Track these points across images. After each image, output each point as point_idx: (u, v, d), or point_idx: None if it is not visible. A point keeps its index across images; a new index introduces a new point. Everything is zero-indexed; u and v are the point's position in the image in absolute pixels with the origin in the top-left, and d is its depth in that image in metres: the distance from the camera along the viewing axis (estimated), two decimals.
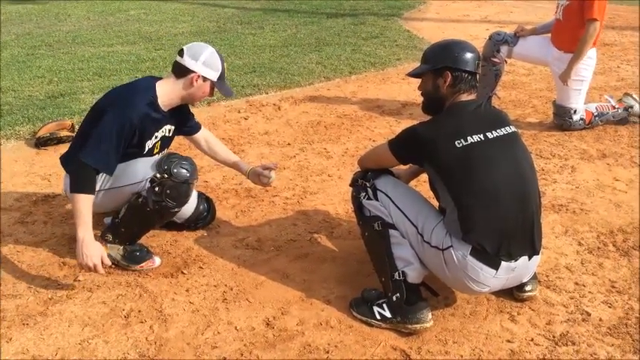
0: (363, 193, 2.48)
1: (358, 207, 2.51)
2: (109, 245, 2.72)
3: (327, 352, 2.24)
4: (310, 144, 4.32)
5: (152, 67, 6.08)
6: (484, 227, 2.22)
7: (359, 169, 2.68)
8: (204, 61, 2.69)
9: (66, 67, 6.12)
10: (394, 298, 2.36)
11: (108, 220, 2.87)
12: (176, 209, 2.73)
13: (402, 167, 2.71)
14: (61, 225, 3.11)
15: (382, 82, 5.96)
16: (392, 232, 2.38)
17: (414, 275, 2.36)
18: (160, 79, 2.77)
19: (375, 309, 2.41)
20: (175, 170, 2.62)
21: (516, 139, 2.38)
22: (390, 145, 2.43)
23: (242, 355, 2.23)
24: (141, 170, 2.66)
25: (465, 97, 2.40)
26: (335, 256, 2.89)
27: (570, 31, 4.29)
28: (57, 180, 3.63)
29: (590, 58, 4.38)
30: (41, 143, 4.10)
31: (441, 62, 2.40)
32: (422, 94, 2.52)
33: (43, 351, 2.23)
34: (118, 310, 2.46)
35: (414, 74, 2.54)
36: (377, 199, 2.44)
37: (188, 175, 2.65)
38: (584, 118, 4.45)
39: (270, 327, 2.38)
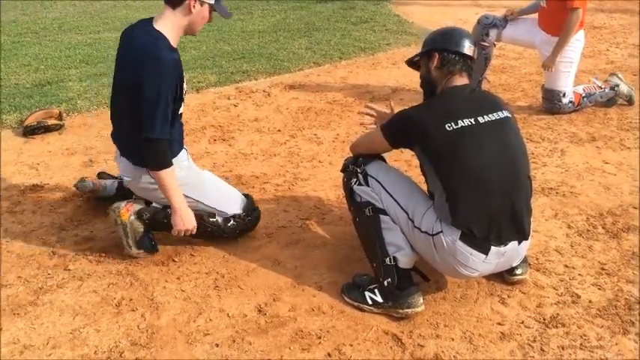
0: (354, 179, 2.48)
1: (349, 193, 2.51)
2: (131, 218, 2.67)
3: (320, 338, 2.25)
4: (300, 130, 4.30)
5: None
6: (473, 212, 2.23)
7: (350, 155, 2.68)
8: None
9: (52, 55, 6.05)
10: (385, 283, 2.37)
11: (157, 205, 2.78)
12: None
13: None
14: (50, 214, 3.09)
15: (372, 68, 5.93)
16: (383, 217, 2.39)
17: (405, 260, 2.37)
18: (150, 19, 2.59)
19: (367, 294, 2.42)
20: (255, 215, 2.87)
21: (509, 123, 2.37)
22: (382, 129, 2.44)
23: (234, 341, 2.23)
24: (233, 205, 2.81)
25: (459, 81, 2.39)
26: (326, 242, 2.89)
27: (555, 17, 4.32)
28: (45, 169, 3.61)
29: (578, 40, 4.40)
30: (29, 132, 4.06)
31: (430, 45, 2.45)
32: (420, 81, 2.55)
33: (34, 340, 2.23)
34: (109, 298, 2.46)
35: (410, 62, 2.62)
36: (368, 185, 2.44)
37: (258, 217, 2.90)
38: (573, 100, 4.46)
39: (262, 313, 2.38)
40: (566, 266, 2.70)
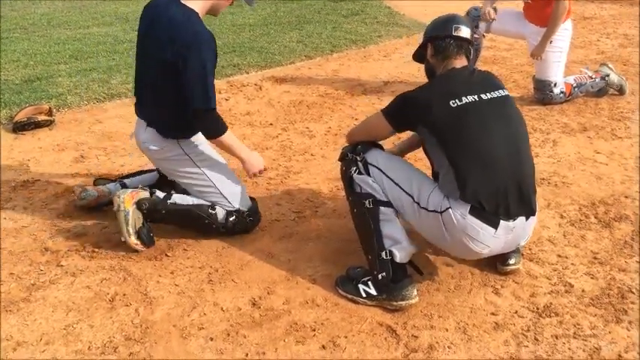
0: (354, 168, 2.44)
1: (348, 182, 2.47)
2: (134, 207, 2.65)
3: (314, 330, 2.25)
4: (292, 123, 4.29)
5: (129, 49, 5.98)
6: (481, 185, 2.24)
7: (346, 145, 2.65)
8: None
9: (42, 50, 6.00)
10: (380, 276, 2.37)
11: (160, 194, 2.77)
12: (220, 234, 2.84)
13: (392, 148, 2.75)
14: (41, 210, 3.07)
15: (364, 60, 5.93)
16: (383, 209, 2.38)
17: (401, 255, 2.37)
18: (177, 1, 2.58)
19: (361, 287, 2.41)
20: (257, 218, 2.89)
21: (510, 101, 2.42)
22: (383, 112, 2.44)
23: (229, 335, 2.23)
24: (240, 200, 2.82)
25: (457, 63, 2.44)
26: (319, 235, 2.89)
27: (540, 9, 4.35)
28: (36, 165, 3.58)
29: (566, 30, 4.43)
30: (19, 128, 4.02)
31: (424, 37, 2.52)
32: (425, 72, 2.61)
33: (27, 337, 2.21)
34: (102, 294, 2.44)
35: (415, 57, 2.68)
36: (368, 174, 2.42)
37: (259, 220, 2.92)
38: (564, 90, 4.48)
39: (257, 307, 2.38)
40: (559, 256, 2.71)
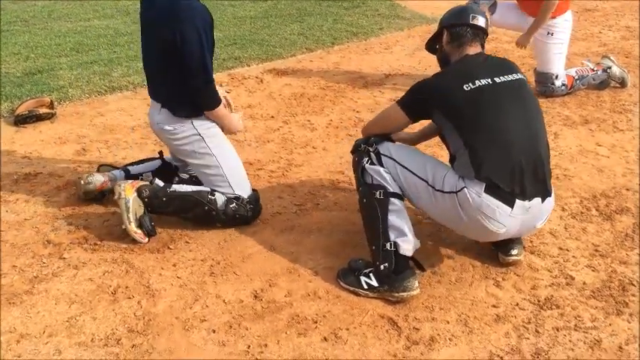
0: (366, 158, 2.48)
1: (360, 173, 2.50)
2: (134, 195, 2.67)
3: (316, 322, 2.26)
4: (294, 116, 4.29)
5: (130, 41, 5.97)
6: (496, 164, 2.26)
7: (359, 137, 2.69)
8: None
9: (42, 43, 5.98)
10: (382, 267, 2.38)
11: (159, 182, 2.81)
12: (220, 224, 2.85)
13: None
14: (43, 203, 3.08)
15: (365, 53, 5.91)
16: (393, 200, 2.40)
17: (405, 247, 2.37)
18: None
19: (362, 279, 2.42)
20: (257, 208, 2.91)
21: (524, 84, 2.46)
22: (398, 103, 2.48)
23: (231, 327, 2.24)
24: (242, 186, 2.87)
25: (471, 50, 2.49)
26: (321, 228, 2.90)
27: (536, 2, 4.32)
28: (38, 158, 3.58)
29: (566, 21, 4.43)
30: (20, 121, 4.02)
31: (439, 27, 2.60)
32: (437, 60, 2.66)
33: (30, 329, 2.22)
34: (104, 286, 2.45)
35: (428, 46, 2.73)
36: (381, 164, 2.44)
37: (259, 212, 2.94)
38: (566, 83, 4.47)
39: (259, 299, 2.39)
40: (560, 248, 2.71)
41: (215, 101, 2.77)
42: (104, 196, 3.04)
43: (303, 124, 4.14)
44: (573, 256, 2.66)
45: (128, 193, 2.67)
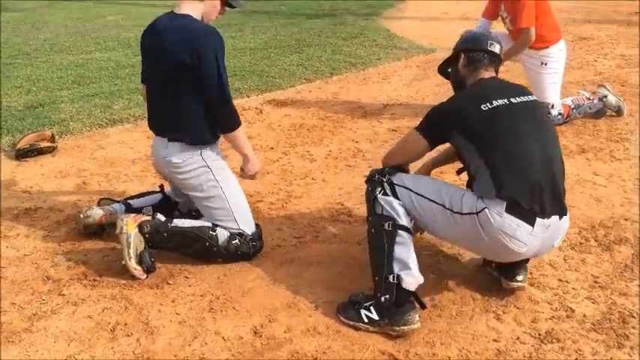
0: (379, 189, 2.49)
1: (372, 202, 2.49)
2: (136, 230, 2.67)
3: (316, 359, 2.25)
4: (293, 147, 4.32)
5: (132, 74, 6.04)
6: (517, 183, 2.29)
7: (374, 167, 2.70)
8: None
9: (44, 76, 6.06)
10: (383, 299, 2.37)
11: (161, 217, 2.80)
12: (221, 260, 2.85)
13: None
14: (43, 238, 3.08)
15: (363, 83, 5.97)
16: (401, 232, 2.41)
17: (408, 281, 2.37)
18: (171, 12, 2.78)
19: (363, 312, 2.41)
20: (259, 245, 2.91)
21: (538, 106, 2.55)
22: (417, 129, 2.53)
23: None
24: (246, 222, 2.87)
25: (486, 74, 2.59)
26: (321, 261, 2.90)
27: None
28: (38, 192, 3.60)
29: (560, 50, 4.50)
30: (21, 155, 4.05)
31: (456, 49, 2.69)
32: (451, 83, 2.75)
33: None
34: (103, 323, 2.45)
35: (440, 69, 2.82)
36: (395, 195, 2.45)
37: (261, 248, 2.93)
38: (562, 112, 4.51)
39: (258, 335, 2.38)
40: (560, 280, 2.71)
41: (235, 122, 2.78)
42: (104, 230, 3.05)
43: (302, 155, 4.17)
44: (573, 288, 2.65)
45: (130, 228, 2.67)
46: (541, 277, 2.73)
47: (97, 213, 3.03)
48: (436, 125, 2.49)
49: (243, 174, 2.96)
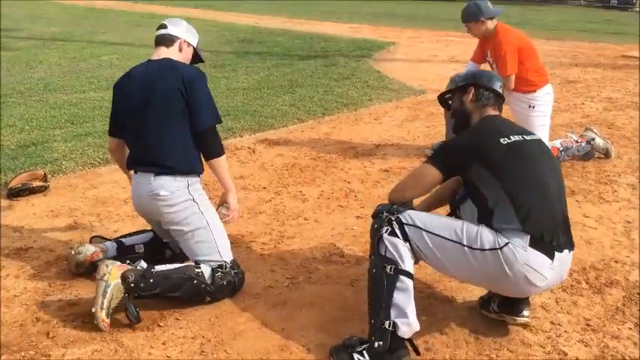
0: (386, 228, 2.41)
1: (377, 241, 2.43)
2: (118, 280, 2.60)
3: None
4: (285, 187, 4.34)
5: None
6: (540, 215, 2.32)
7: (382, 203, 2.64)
8: (186, 27, 3.02)
9: (38, 115, 6.09)
10: (377, 344, 2.35)
11: (143, 264, 2.74)
12: (210, 297, 2.84)
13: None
14: (33, 279, 3.06)
15: (355, 123, 6.05)
16: (402, 278, 2.36)
17: (404, 330, 2.34)
18: (147, 60, 2.93)
19: (356, 356, 2.39)
20: (241, 275, 2.93)
21: (544, 144, 2.61)
22: (431, 162, 2.52)
23: None
24: (226, 252, 2.91)
25: (492, 112, 2.66)
26: (313, 302, 2.88)
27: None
28: (29, 232, 3.58)
29: (547, 94, 4.61)
30: (13, 194, 4.05)
31: (465, 81, 2.76)
32: (452, 115, 2.79)
33: None
34: None
35: (442, 95, 2.91)
36: (404, 235, 2.39)
37: (244, 276, 2.97)
38: None
39: None
40: (552, 323, 2.71)
41: (220, 147, 2.86)
42: (95, 268, 3.02)
43: (294, 195, 4.19)
44: (565, 331, 2.65)
45: (112, 277, 2.60)
46: (533, 320, 2.72)
47: (88, 250, 3.02)
48: (455, 157, 2.49)
49: (227, 211, 2.96)
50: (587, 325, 2.70)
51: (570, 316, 2.77)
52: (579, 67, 8.76)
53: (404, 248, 2.39)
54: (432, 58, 9.75)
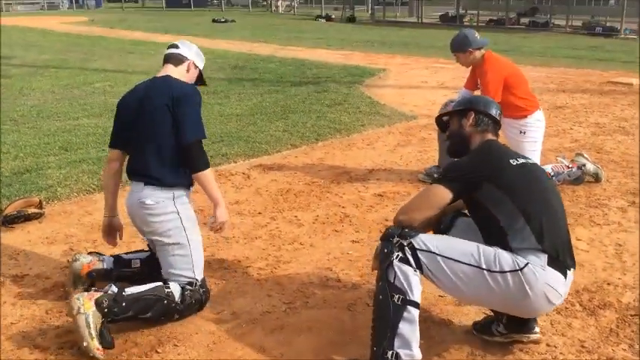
0: (397, 254, 2.34)
1: (386, 266, 2.35)
2: (93, 308, 2.58)
3: None
4: (281, 212, 4.37)
5: None
6: (553, 234, 2.38)
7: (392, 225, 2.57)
8: (196, 51, 3.18)
9: (31, 142, 6.10)
10: None
11: (114, 288, 2.74)
12: (178, 316, 2.90)
13: None
14: (30, 306, 3.05)
15: (348, 149, 6.10)
16: (409, 308, 2.32)
17: None
18: (153, 77, 3.06)
19: None
20: (207, 293, 3.00)
21: (542, 169, 2.74)
22: (441, 182, 2.51)
23: None
24: (200, 269, 3.00)
25: (492, 137, 2.73)
26: (311, 327, 2.90)
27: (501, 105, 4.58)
28: (25, 259, 3.58)
29: (538, 120, 4.69)
30: (8, 221, 4.04)
31: (464, 105, 2.83)
32: (448, 137, 2.83)
33: None
34: None
35: (440, 117, 3.00)
36: (417, 261, 2.34)
37: (209, 293, 3.04)
38: None
39: None
40: (548, 345, 2.74)
41: (205, 160, 2.94)
42: (93, 286, 3.03)
43: (290, 220, 4.22)
44: (561, 353, 2.68)
45: (87, 307, 2.58)
46: (529, 343, 2.75)
47: (85, 258, 3.08)
48: (466, 176, 2.50)
49: (214, 224, 2.99)
50: (582, 346, 2.72)
51: (565, 338, 2.79)
52: (566, 93, 8.91)
53: (414, 277, 2.33)
54: (422, 84, 9.88)
